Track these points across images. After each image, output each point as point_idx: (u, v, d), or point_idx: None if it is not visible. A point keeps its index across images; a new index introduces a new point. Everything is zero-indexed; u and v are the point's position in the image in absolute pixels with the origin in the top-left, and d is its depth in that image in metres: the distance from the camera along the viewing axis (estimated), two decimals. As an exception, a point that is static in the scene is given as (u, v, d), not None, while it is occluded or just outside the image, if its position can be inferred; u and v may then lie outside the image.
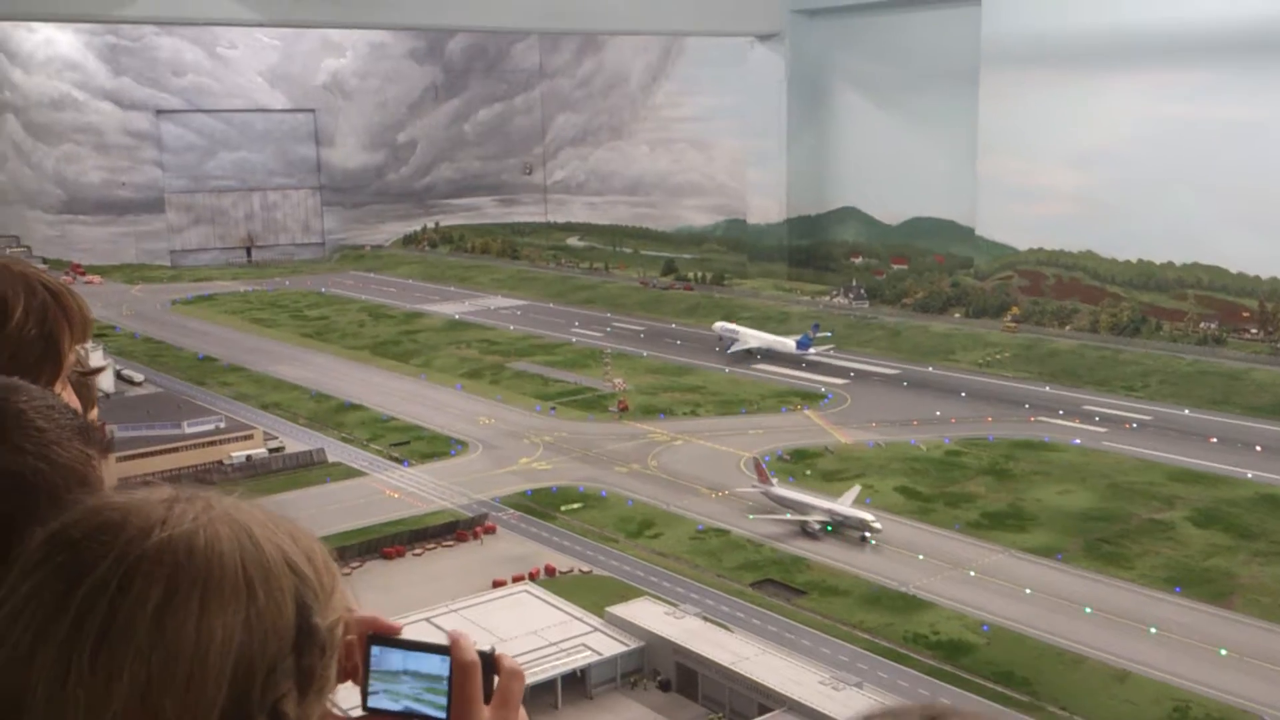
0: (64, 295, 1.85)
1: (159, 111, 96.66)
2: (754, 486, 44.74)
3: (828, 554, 39.97)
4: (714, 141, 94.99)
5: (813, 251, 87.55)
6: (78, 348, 1.95)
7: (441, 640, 1.41)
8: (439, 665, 1.38)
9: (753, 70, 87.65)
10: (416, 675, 1.37)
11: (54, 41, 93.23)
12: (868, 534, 40.79)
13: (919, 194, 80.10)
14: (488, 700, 1.36)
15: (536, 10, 74.97)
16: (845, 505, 42.09)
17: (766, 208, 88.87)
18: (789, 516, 42.47)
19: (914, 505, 43.88)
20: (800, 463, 48.93)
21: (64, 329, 1.80)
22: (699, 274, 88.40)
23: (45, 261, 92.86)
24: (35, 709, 0.82)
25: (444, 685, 1.36)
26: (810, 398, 58.80)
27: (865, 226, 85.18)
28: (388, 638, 1.37)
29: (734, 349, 66.57)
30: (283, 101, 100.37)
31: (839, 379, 61.93)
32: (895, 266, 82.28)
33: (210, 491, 1.05)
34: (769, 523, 42.47)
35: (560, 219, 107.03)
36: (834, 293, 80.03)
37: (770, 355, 65.53)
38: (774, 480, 44.64)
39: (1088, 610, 35.62)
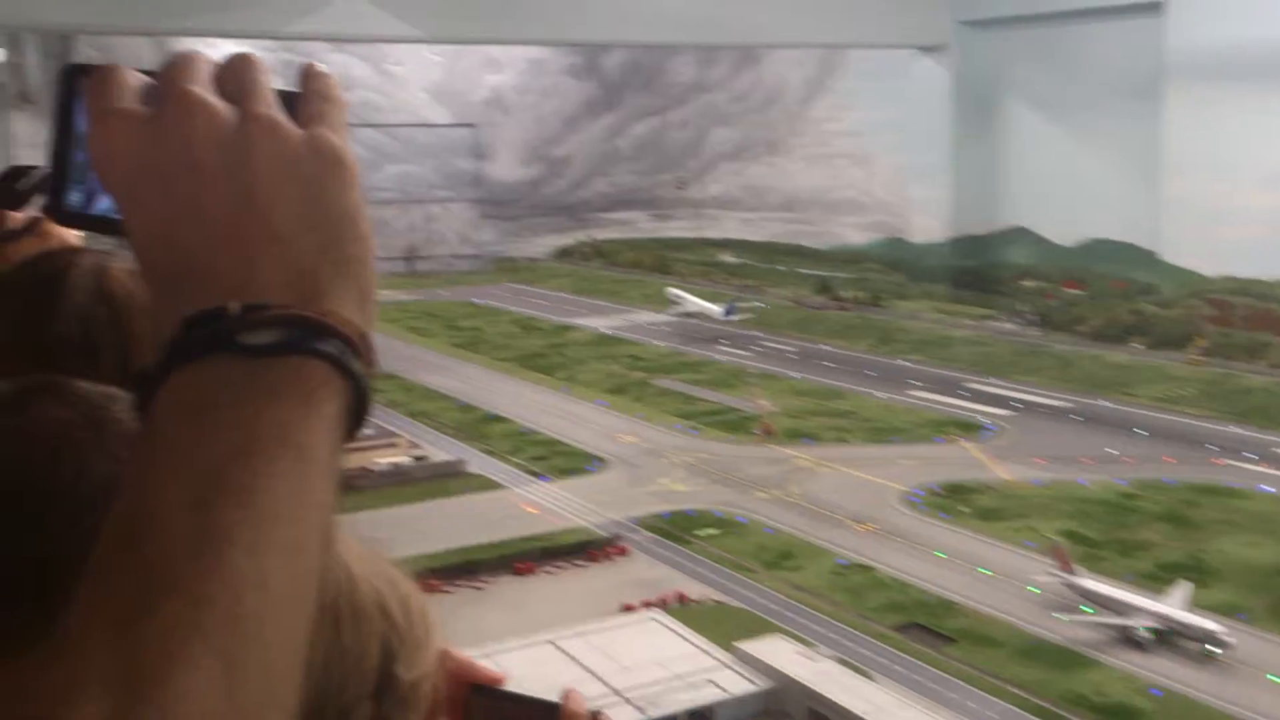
0: None
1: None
2: (1051, 574, 36.96)
3: (983, 600, 37.28)
4: (874, 157, 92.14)
5: (978, 273, 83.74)
6: None
7: (548, 696, 1.32)
8: None
9: (916, 83, 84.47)
10: None
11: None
12: (1213, 646, 32.52)
13: (1095, 214, 75.59)
14: None
15: (695, 25, 73.41)
16: (1178, 606, 34.04)
17: (929, 226, 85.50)
18: (1111, 620, 34.35)
19: (1081, 551, 40.47)
20: (956, 498, 46.15)
21: None
22: (855, 293, 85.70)
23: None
24: None
25: None
26: (969, 428, 55.67)
27: (1036, 248, 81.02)
28: (490, 689, 1.31)
29: (674, 311, 76.69)
30: (445, 116, 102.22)
31: (1002, 409, 58.55)
32: (1068, 291, 77.83)
33: None
34: (1080, 626, 34.70)
35: (714, 234, 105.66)
36: (1000, 317, 76.32)
37: (703, 317, 76.06)
38: (1077, 569, 36.76)
39: (1272, 678, 32.12)
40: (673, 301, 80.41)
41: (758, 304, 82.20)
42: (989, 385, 62.00)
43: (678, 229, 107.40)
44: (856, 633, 35.75)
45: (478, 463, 51.20)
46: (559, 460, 51.74)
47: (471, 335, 77.37)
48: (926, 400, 60.72)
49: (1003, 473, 49.03)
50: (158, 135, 0.89)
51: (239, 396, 0.84)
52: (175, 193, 0.89)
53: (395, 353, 71.88)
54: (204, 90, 0.90)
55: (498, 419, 57.86)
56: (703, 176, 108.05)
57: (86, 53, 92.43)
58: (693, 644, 34.54)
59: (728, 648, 33.81)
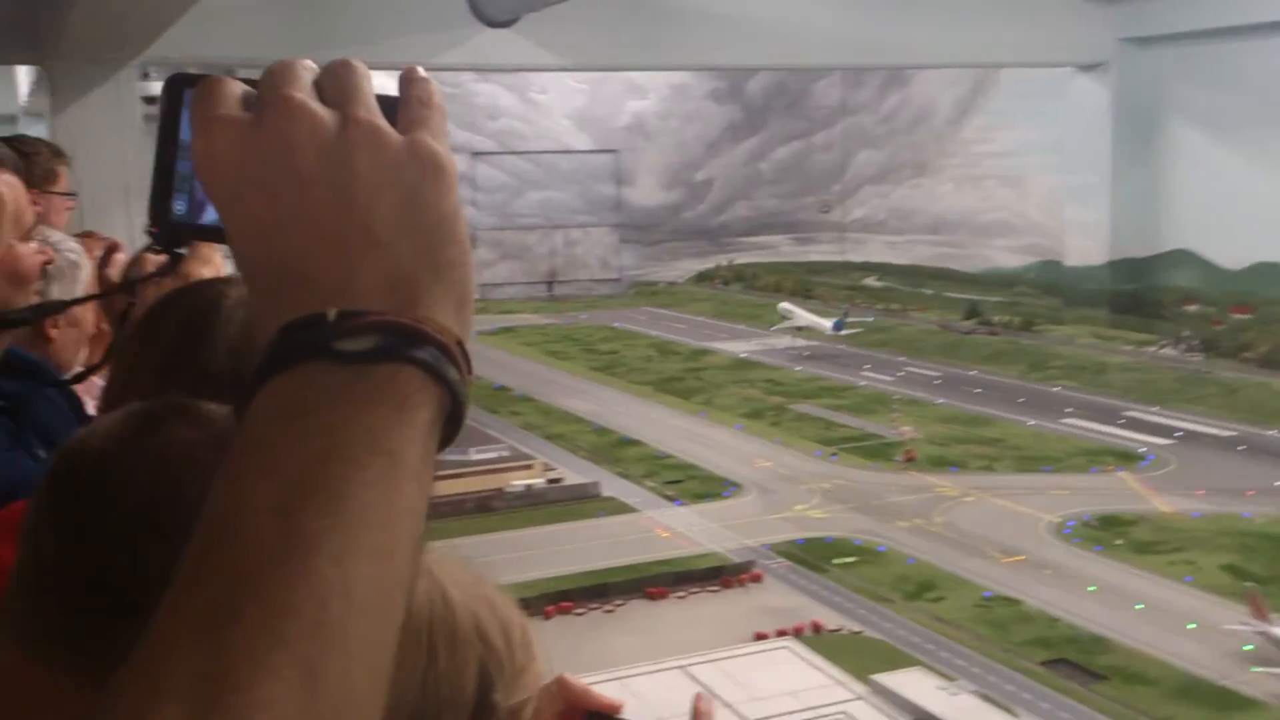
0: None
1: (475, 154, 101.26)
2: (1244, 624, 34.32)
3: (1137, 636, 35.13)
4: (1027, 178, 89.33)
5: (1138, 297, 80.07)
6: None
7: None
8: None
9: (1074, 102, 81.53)
10: None
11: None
12: None
13: (1266, 237, 71.52)
14: None
15: (843, 47, 71.80)
16: None
17: (1086, 248, 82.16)
18: None
19: (1241, 588, 37.99)
20: (1110, 531, 43.77)
21: None
22: (1005, 318, 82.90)
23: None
24: None
25: None
26: (1127, 458, 52.90)
27: (1200, 271, 77.06)
28: (606, 718, 1.34)
29: (784, 326, 77.01)
30: (587, 143, 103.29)
31: (1162, 438, 55.52)
32: (1235, 316, 73.76)
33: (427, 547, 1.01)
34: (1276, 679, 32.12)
35: (858, 258, 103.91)
36: (1162, 343, 72.78)
37: (813, 333, 76.31)
38: (1273, 617, 33.99)
39: None
40: (784, 316, 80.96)
41: (868, 319, 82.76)
42: (1148, 413, 58.97)
43: (820, 253, 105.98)
44: (1001, 667, 34.07)
45: (612, 486, 50.88)
46: (693, 484, 51.06)
47: (609, 359, 77.45)
48: (1081, 428, 57.98)
49: (1161, 504, 46.28)
50: (259, 141, 0.90)
51: (332, 402, 0.84)
52: (276, 198, 0.89)
53: (533, 376, 72.49)
54: (305, 95, 0.91)
55: (633, 442, 57.52)
56: (847, 199, 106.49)
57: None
58: (827, 675, 33.46)
59: (864, 680, 32.66)
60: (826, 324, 77.79)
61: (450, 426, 0.91)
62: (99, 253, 3.76)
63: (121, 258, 3.77)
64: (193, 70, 0.97)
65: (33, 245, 2.11)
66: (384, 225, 0.90)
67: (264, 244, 0.90)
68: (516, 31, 64.17)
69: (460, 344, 0.93)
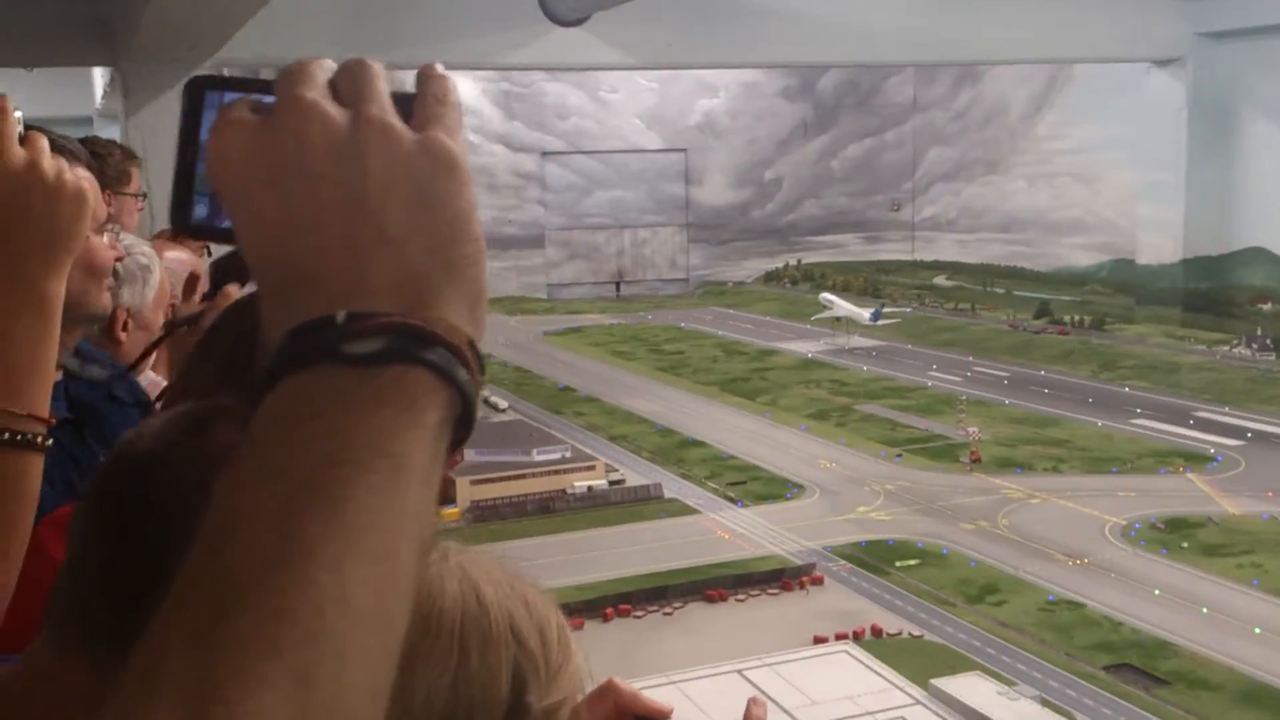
0: None
1: (544, 153, 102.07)
2: None
3: (1203, 640, 34.66)
4: (1101, 175, 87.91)
5: (1212, 296, 78.40)
6: None
7: None
8: None
9: (1148, 98, 79.98)
10: None
11: (455, 89, 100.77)
12: None
13: (1345, 234, 70.03)
14: None
15: (915, 43, 71.02)
16: None
17: (1159, 246, 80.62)
18: None
19: (1315, 591, 37.38)
20: (1177, 533, 43.13)
21: None
22: (1076, 317, 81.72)
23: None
24: None
25: None
26: (1195, 459, 52.02)
27: (1275, 269, 75.35)
28: None
29: (825, 315, 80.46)
30: (657, 142, 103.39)
31: (1233, 439, 54.50)
32: (1314, 315, 72.19)
33: (451, 541, 1.02)
34: None
35: (927, 257, 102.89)
36: (1235, 342, 71.25)
37: (851, 323, 79.73)
38: None
39: None
40: (825, 306, 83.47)
41: (906, 310, 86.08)
42: (1219, 414, 57.87)
43: (890, 251, 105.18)
44: (1062, 672, 33.85)
45: (674, 487, 51.18)
46: (756, 486, 51.18)
47: (675, 359, 77.68)
48: (1150, 429, 57.09)
49: (1230, 506, 45.44)
50: (270, 140, 0.90)
51: (339, 405, 0.83)
52: (287, 198, 0.89)
53: (599, 376, 73.03)
54: (318, 95, 0.91)
55: (696, 443, 57.73)
56: (917, 198, 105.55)
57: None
58: (886, 679, 33.44)
59: (923, 684, 32.60)
60: (865, 314, 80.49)
61: (461, 428, 0.89)
62: (179, 268, 3.77)
63: (201, 281, 3.80)
64: (213, 73, 0.98)
65: (106, 239, 2.16)
66: (395, 224, 0.89)
67: (274, 245, 0.90)
68: (587, 30, 64.69)
69: (472, 344, 0.89)
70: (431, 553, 0.97)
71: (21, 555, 1.60)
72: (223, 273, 3.48)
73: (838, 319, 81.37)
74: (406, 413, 0.84)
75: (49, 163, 1.67)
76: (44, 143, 1.68)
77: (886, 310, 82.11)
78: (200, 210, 0.99)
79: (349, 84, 0.93)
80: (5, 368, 1.62)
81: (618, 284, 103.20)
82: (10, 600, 1.57)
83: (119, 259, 2.24)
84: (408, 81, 1.01)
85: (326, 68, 0.94)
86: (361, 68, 0.95)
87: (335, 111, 0.91)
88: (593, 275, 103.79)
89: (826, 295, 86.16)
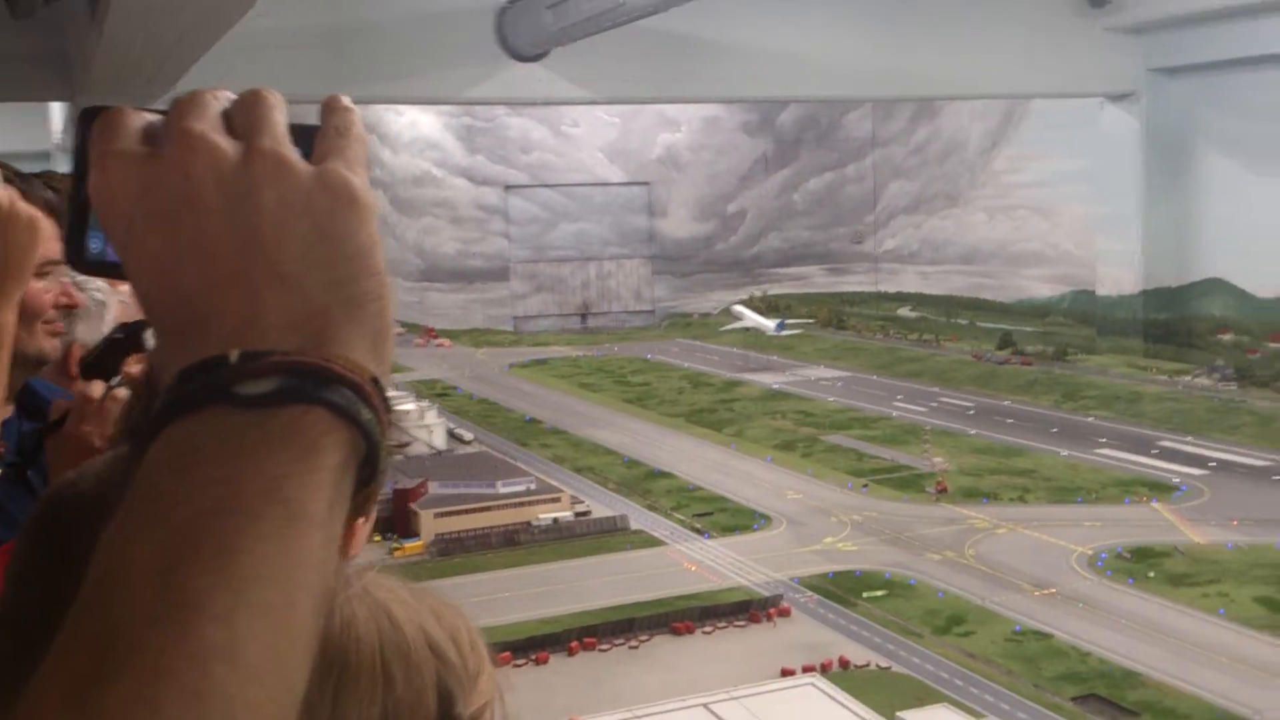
0: None
1: (508, 187, 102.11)
2: None
3: (1170, 671, 34.62)
4: (1059, 208, 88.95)
5: (1172, 326, 79.32)
6: None
7: None
8: None
9: (1104, 132, 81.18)
10: None
11: (417, 124, 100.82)
12: None
13: (1298, 265, 70.99)
14: None
15: (873, 79, 72.16)
16: None
17: (1119, 278, 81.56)
18: None
19: (1278, 620, 37.44)
20: (1143, 563, 43.24)
21: None
22: (1039, 348, 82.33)
23: (404, 325, 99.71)
24: None
25: None
26: (1160, 489, 52.29)
27: (1235, 300, 76.28)
28: None
29: (734, 326, 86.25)
30: (620, 175, 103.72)
31: (1197, 469, 54.87)
32: (1272, 345, 72.96)
33: (349, 568, 1.00)
34: None
35: (891, 289, 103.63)
36: (1197, 372, 71.99)
37: (758, 333, 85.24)
38: None
39: None
40: (735, 317, 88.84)
41: (808, 321, 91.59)
42: (1182, 443, 58.30)
43: (854, 283, 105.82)
44: (1030, 703, 33.69)
45: (640, 519, 50.82)
46: (723, 517, 50.92)
47: (641, 391, 77.49)
48: (1114, 459, 57.38)
49: (1195, 535, 45.67)
50: (156, 175, 0.85)
51: (229, 450, 0.79)
52: (175, 234, 0.84)
53: (565, 408, 72.67)
54: (207, 127, 0.86)
55: (663, 474, 57.44)
56: (879, 230, 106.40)
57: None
58: (853, 712, 33.10)
59: (890, 717, 32.31)
60: (770, 324, 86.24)
61: (366, 470, 0.84)
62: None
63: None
64: (105, 104, 0.93)
65: (47, 283, 2.09)
66: (292, 259, 0.85)
67: (164, 281, 0.85)
68: (546, 66, 64.93)
69: (376, 381, 0.84)
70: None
71: None
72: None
73: (746, 329, 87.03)
74: (303, 456, 0.80)
75: (1, 193, 1.63)
76: None
77: (790, 321, 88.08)
78: (95, 245, 0.94)
79: (243, 115, 0.89)
80: None
81: (584, 315, 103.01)
82: None
83: (68, 302, 2.15)
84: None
85: (221, 99, 0.90)
86: (256, 99, 0.90)
87: (225, 144, 0.86)
88: (558, 307, 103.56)
89: (736, 307, 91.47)
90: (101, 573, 0.75)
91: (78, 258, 0.95)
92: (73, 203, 0.93)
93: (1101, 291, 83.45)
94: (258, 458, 0.78)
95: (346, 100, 0.96)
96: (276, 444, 0.79)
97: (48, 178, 4.50)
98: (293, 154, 0.88)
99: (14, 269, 1.62)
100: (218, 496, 0.77)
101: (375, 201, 0.92)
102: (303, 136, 0.91)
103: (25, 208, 1.63)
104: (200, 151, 0.85)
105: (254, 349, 0.82)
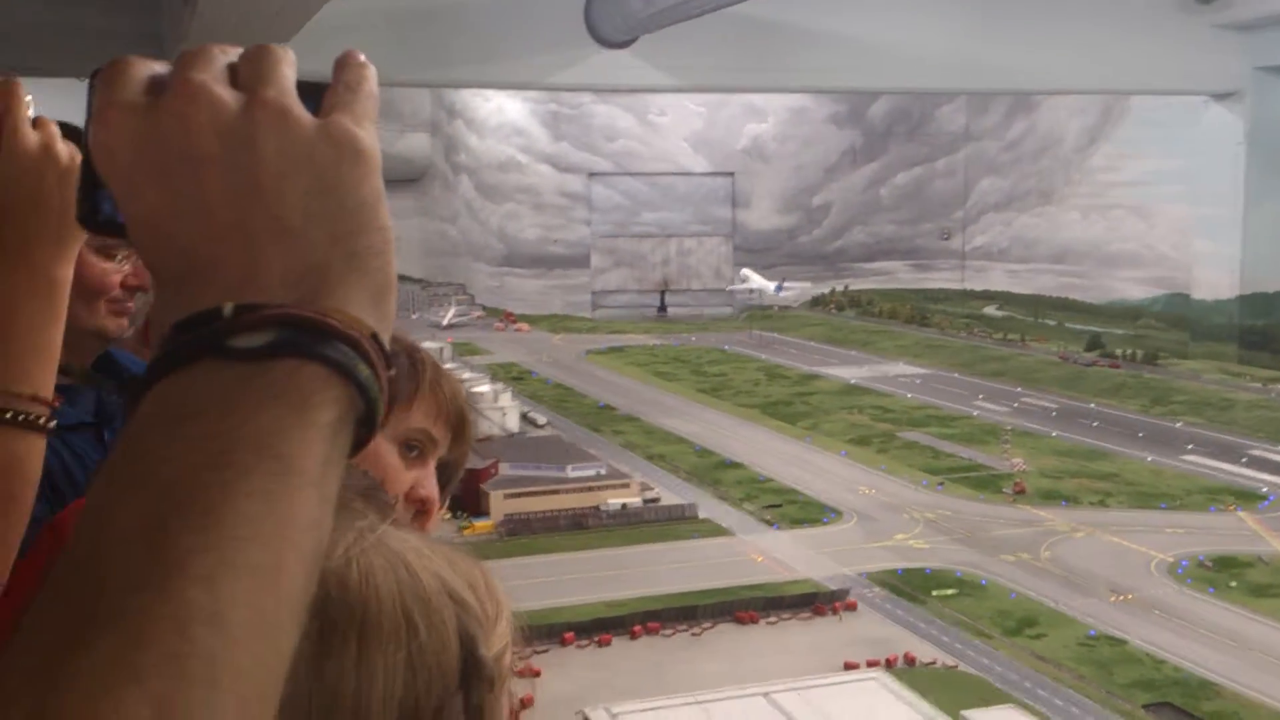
0: (416, 352, 1.96)
1: (591, 174, 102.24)
2: None
3: (1248, 682, 33.42)
4: (1156, 208, 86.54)
5: (1269, 332, 76.71)
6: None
7: None
8: None
9: (1206, 132, 78.72)
10: None
11: (504, 109, 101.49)
12: None
13: None
14: None
15: (968, 71, 70.75)
16: None
17: (1216, 282, 79.08)
18: None
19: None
20: (1225, 572, 41.82)
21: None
22: (1129, 351, 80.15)
23: (485, 309, 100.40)
24: None
25: None
26: (1247, 497, 50.53)
27: (1337, 306, 73.72)
28: None
29: (739, 287, 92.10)
30: (704, 165, 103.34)
31: (1287, 479, 52.97)
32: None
33: (362, 521, 0.99)
34: None
35: (978, 286, 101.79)
36: (1293, 380, 69.52)
37: (761, 294, 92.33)
38: None
39: None
40: (742, 280, 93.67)
41: (806, 284, 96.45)
42: (1273, 452, 56.27)
43: (939, 280, 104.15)
44: (1100, 708, 32.77)
45: (709, 508, 50.46)
46: (793, 509, 50.37)
47: (717, 381, 77.05)
48: (1202, 466, 55.57)
49: (1281, 546, 44.19)
50: (156, 125, 0.83)
51: (221, 404, 0.76)
52: (174, 185, 0.83)
53: (639, 396, 72.54)
54: (209, 77, 0.85)
55: (734, 465, 57.02)
56: (968, 227, 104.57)
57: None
58: (915, 709, 32.46)
59: (954, 716, 31.64)
60: (770, 286, 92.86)
61: (363, 428, 0.82)
62: None
63: None
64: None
65: (113, 264, 2.10)
66: (293, 211, 0.83)
67: (163, 234, 0.83)
68: (634, 53, 64.63)
69: (375, 338, 0.82)
70: (348, 539, 0.95)
71: (20, 536, 1.60)
72: None
73: (752, 290, 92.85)
74: (297, 411, 0.77)
75: (62, 147, 1.63)
76: (55, 128, 1.64)
77: (787, 284, 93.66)
78: (107, 206, 0.91)
79: (249, 68, 0.87)
80: (11, 350, 1.63)
81: (662, 293, 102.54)
82: (22, 587, 1.56)
83: (136, 283, 2.17)
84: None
85: (229, 53, 0.88)
86: (264, 52, 0.89)
87: (227, 94, 0.85)
88: (637, 284, 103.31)
89: (744, 270, 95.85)
90: (86, 533, 0.73)
91: (90, 219, 0.92)
92: (83, 164, 0.91)
93: (1197, 295, 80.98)
94: (249, 412, 0.76)
95: (361, 57, 0.93)
96: (268, 398, 0.77)
97: None
98: (297, 106, 0.86)
99: (71, 225, 1.59)
100: (206, 452, 0.74)
101: (379, 154, 0.88)
102: (313, 94, 0.88)
103: None
104: (201, 101, 0.83)
105: (250, 302, 0.80)
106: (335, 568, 0.94)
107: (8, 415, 1.60)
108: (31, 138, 1.61)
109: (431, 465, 1.98)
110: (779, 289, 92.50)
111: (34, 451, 1.65)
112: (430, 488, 1.97)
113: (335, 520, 0.91)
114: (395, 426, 1.88)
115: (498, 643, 1.03)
